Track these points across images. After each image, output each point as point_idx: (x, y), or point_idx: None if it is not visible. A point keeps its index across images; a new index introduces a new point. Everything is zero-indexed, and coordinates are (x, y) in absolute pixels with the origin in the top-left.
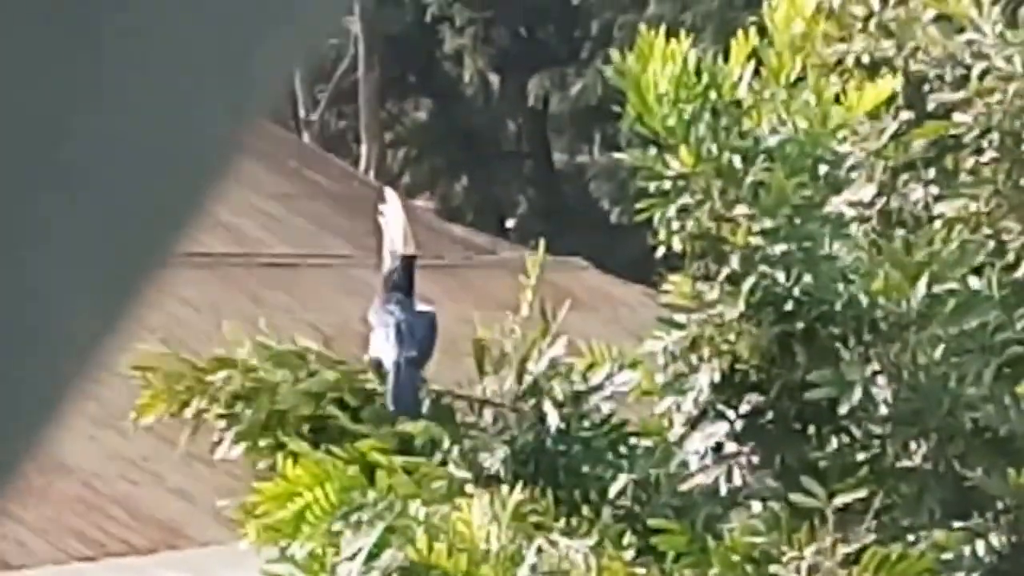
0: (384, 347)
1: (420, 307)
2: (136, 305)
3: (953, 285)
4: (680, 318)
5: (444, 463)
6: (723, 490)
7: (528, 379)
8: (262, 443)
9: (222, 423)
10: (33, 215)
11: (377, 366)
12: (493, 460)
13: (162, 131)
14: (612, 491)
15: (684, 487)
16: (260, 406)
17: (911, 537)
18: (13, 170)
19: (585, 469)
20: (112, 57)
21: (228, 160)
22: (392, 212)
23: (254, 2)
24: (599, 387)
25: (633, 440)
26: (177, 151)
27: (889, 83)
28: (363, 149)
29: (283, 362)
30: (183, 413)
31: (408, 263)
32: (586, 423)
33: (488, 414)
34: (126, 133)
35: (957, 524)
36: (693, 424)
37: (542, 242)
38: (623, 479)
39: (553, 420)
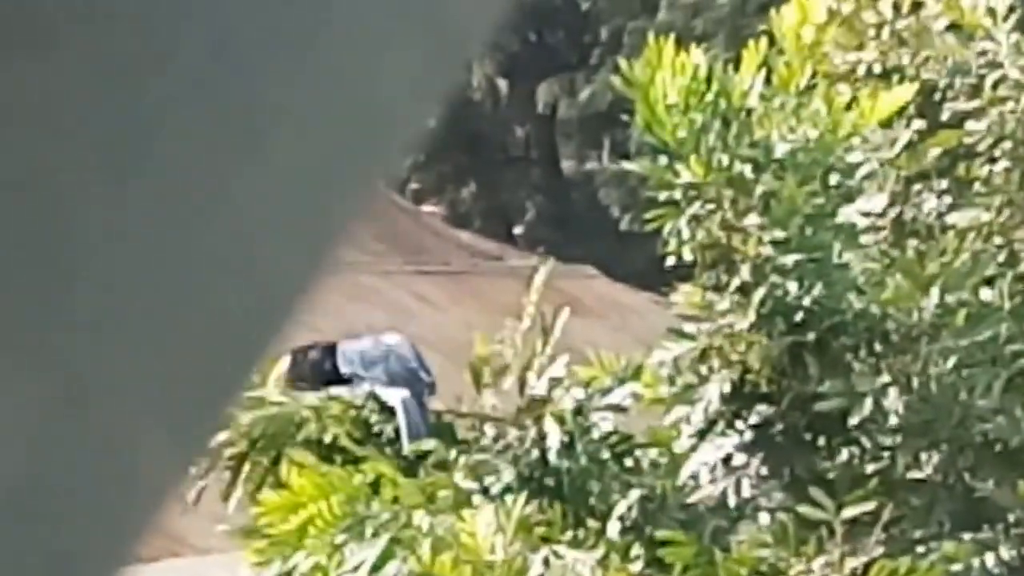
0: (385, 390)
1: (387, 340)
2: (206, 442)
3: (965, 296)
4: (690, 328)
5: (450, 472)
6: (732, 502)
7: (529, 392)
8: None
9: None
10: (104, 358)
11: (377, 401)
12: (497, 480)
13: (236, 274)
14: (619, 507)
15: (692, 499)
16: (262, 462)
17: (920, 549)
18: (94, 300)
19: (590, 483)
20: (181, 196)
21: (300, 302)
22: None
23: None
24: (602, 400)
25: (639, 452)
26: (249, 292)
27: (904, 92)
28: None
29: (277, 420)
30: None
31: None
32: (590, 437)
33: (489, 429)
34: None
35: (967, 536)
36: (702, 435)
37: (550, 252)
38: (630, 493)
39: (554, 439)
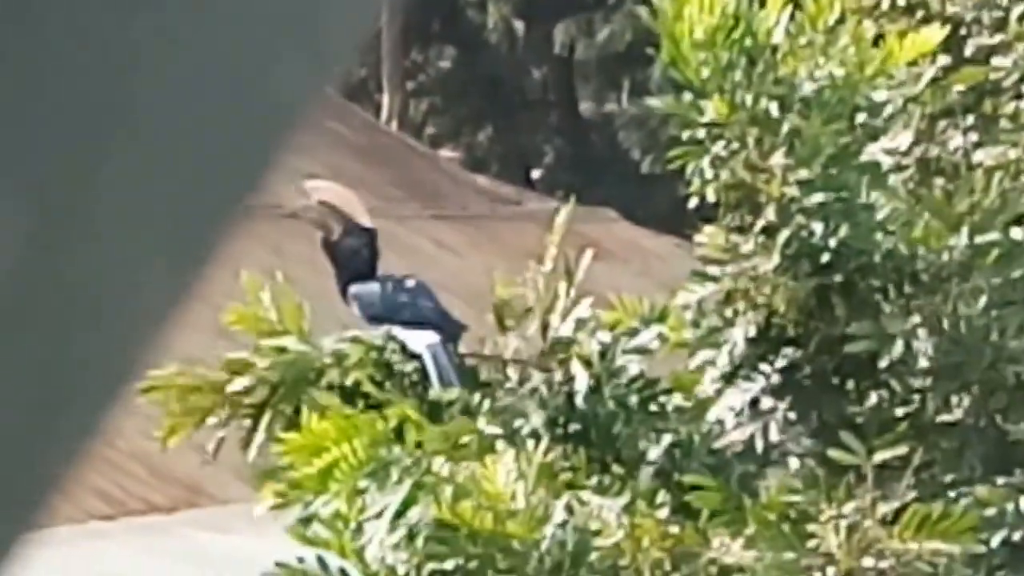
0: (410, 334)
1: (409, 281)
2: (208, 264)
3: (994, 235)
4: (714, 271)
5: (474, 417)
6: (759, 447)
7: (552, 335)
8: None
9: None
10: (103, 175)
11: (399, 344)
12: (526, 422)
13: (233, 87)
14: (650, 452)
15: (719, 444)
16: (284, 410)
17: (952, 494)
18: (84, 126)
19: (617, 428)
20: (180, 11)
21: (299, 117)
22: (330, 191)
23: None
24: (627, 343)
25: (665, 398)
26: (248, 107)
27: (934, 33)
28: (385, 98)
29: (297, 366)
30: (205, 423)
31: (371, 238)
32: (617, 381)
33: (513, 372)
34: (193, 90)
35: (999, 480)
36: (728, 379)
37: (569, 196)
38: (658, 438)
39: (582, 381)
